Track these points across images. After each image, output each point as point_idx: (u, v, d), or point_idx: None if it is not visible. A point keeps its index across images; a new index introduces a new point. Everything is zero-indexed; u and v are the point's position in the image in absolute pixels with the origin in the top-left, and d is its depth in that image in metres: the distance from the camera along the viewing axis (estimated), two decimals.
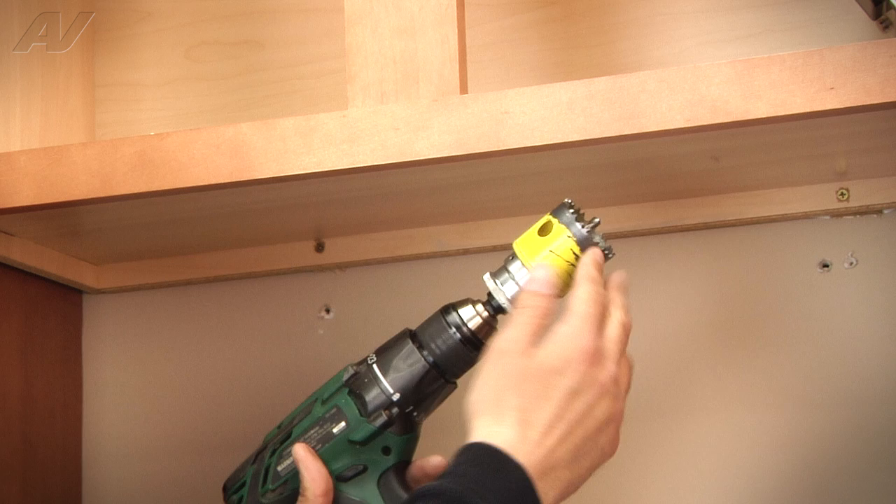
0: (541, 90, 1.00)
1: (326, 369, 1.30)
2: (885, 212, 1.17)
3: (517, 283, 0.96)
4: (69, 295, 1.35)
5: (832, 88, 0.95)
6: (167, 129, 1.34)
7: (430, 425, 1.02)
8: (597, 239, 0.94)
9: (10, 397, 1.25)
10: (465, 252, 1.26)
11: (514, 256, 0.97)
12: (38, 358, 1.29)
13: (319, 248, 1.29)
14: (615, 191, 1.18)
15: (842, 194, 1.16)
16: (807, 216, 1.18)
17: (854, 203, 1.16)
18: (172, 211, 1.17)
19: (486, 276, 0.97)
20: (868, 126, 1.02)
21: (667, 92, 0.97)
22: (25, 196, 1.11)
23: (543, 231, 0.96)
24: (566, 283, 0.95)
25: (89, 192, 1.09)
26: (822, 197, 1.16)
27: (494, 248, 1.25)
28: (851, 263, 1.18)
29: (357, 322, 1.30)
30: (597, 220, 0.95)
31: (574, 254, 0.94)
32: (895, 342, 1.16)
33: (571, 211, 0.95)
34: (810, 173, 1.14)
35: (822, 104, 0.95)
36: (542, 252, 0.95)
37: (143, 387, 1.35)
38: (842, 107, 0.95)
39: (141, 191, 1.08)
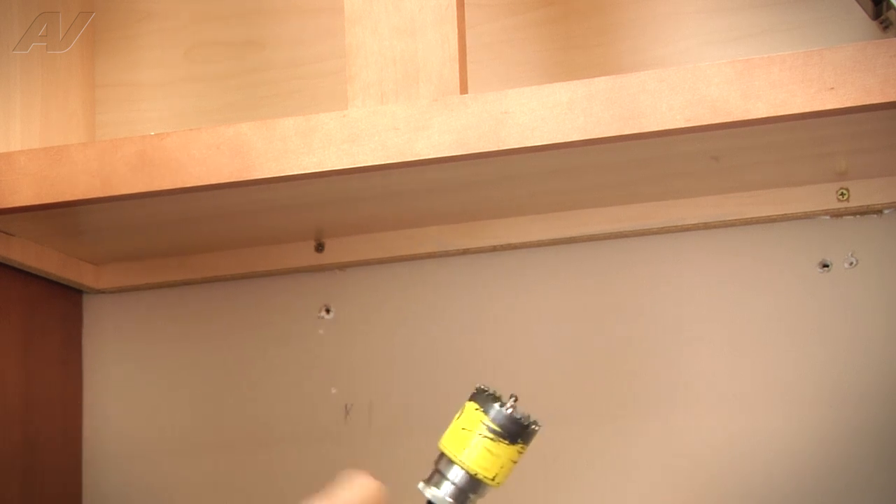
0: (541, 90, 1.00)
1: (326, 369, 1.30)
2: (886, 212, 1.17)
3: (453, 483, 0.93)
4: (69, 295, 1.34)
5: (832, 88, 0.95)
6: (167, 129, 1.35)
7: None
8: (509, 405, 0.92)
9: (11, 397, 1.25)
10: (466, 252, 1.26)
11: (442, 456, 0.93)
12: (39, 358, 1.29)
13: (319, 248, 1.29)
14: (615, 191, 1.17)
15: (842, 194, 1.16)
16: (807, 216, 1.18)
17: (854, 203, 1.15)
18: (172, 211, 1.16)
19: (421, 486, 0.94)
20: (868, 126, 1.01)
21: (667, 92, 0.97)
22: (25, 196, 1.10)
23: (460, 419, 0.93)
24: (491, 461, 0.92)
25: (89, 192, 1.09)
26: (822, 197, 1.16)
27: (494, 249, 1.25)
28: (851, 263, 1.18)
29: (357, 322, 1.29)
30: (513, 396, 0.93)
31: (484, 424, 0.91)
32: (895, 342, 1.16)
33: (486, 393, 0.93)
34: (810, 173, 1.14)
35: (822, 104, 0.95)
36: (459, 437, 0.92)
37: (143, 387, 1.34)
38: (842, 107, 0.94)
39: (141, 191, 1.08)
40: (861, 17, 1.16)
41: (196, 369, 1.33)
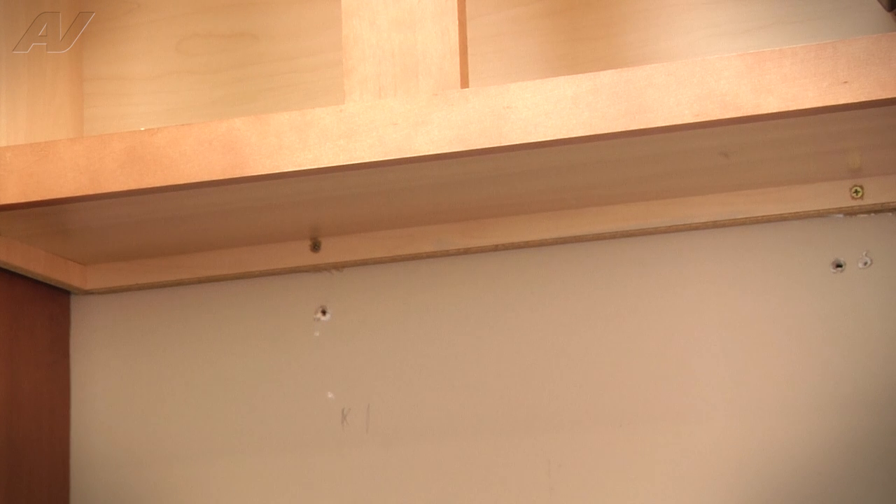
0: (544, 84, 1.00)
1: (322, 373, 1.30)
2: None
3: None
4: (56, 296, 1.34)
5: (846, 82, 0.95)
6: (157, 124, 1.35)
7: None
8: None
9: None
10: (466, 252, 1.26)
11: None
12: (25, 360, 1.29)
13: (315, 247, 1.28)
14: (621, 188, 1.17)
15: (856, 192, 1.15)
16: (820, 214, 1.18)
17: (868, 201, 1.15)
18: (163, 209, 1.16)
19: None
20: (883, 121, 1.01)
21: (675, 86, 0.97)
22: (11, 194, 1.10)
23: None
24: None
25: (77, 190, 1.09)
26: (835, 194, 1.16)
27: (496, 248, 1.25)
28: (866, 263, 1.17)
29: (354, 324, 1.29)
30: None
31: None
32: None
33: None
34: (823, 170, 1.13)
35: (836, 98, 0.95)
36: None
37: (131, 390, 1.34)
38: (856, 101, 0.95)
39: (130, 188, 1.08)
40: (876, 9, 1.17)
41: (187, 373, 1.33)
